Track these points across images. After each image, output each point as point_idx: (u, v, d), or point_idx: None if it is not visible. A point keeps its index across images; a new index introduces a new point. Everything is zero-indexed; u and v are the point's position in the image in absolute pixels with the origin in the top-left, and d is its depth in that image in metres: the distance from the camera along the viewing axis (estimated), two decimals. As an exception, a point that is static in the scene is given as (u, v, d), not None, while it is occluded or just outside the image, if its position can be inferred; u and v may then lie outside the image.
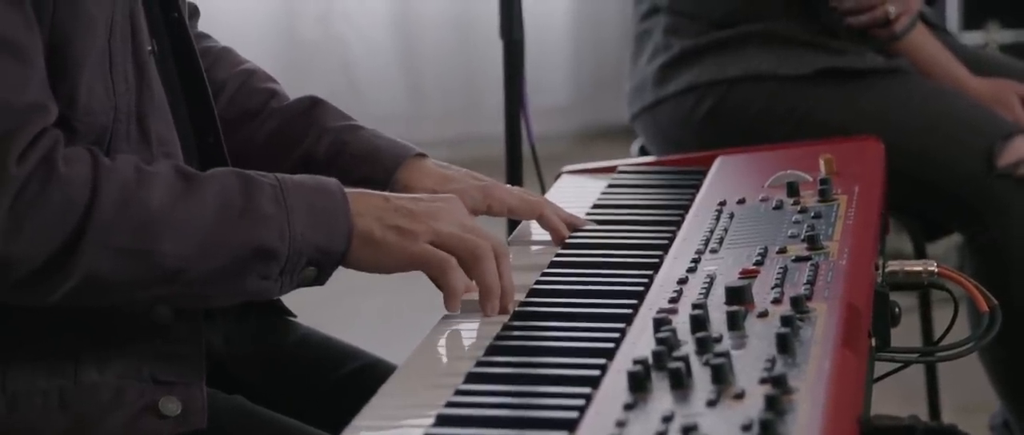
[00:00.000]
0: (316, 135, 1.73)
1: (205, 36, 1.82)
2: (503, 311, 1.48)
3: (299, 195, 1.44)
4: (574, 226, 1.76)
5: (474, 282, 1.48)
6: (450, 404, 1.24)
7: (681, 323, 1.32)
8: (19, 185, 1.33)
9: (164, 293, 1.41)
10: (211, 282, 1.41)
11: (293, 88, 1.81)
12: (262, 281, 1.42)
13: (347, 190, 1.47)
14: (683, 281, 1.48)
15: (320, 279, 1.47)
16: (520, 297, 1.51)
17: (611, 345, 1.34)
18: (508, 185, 1.79)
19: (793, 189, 1.77)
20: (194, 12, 1.79)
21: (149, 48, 1.47)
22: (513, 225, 1.91)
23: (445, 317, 1.48)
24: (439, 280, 1.48)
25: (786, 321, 1.27)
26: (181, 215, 1.38)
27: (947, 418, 2.90)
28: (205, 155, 1.61)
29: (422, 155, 1.74)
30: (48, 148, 1.35)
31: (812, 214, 1.66)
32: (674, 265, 1.55)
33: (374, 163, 1.71)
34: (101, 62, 1.42)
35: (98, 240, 1.35)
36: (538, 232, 1.78)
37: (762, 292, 1.39)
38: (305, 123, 1.75)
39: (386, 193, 1.51)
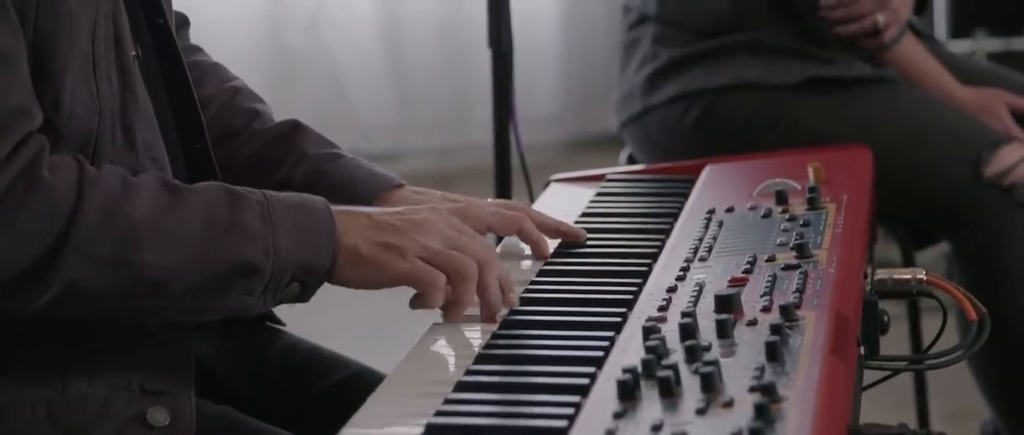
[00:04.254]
0: (294, 161, 1.72)
1: (197, 49, 1.81)
2: (491, 321, 1.48)
3: (285, 212, 1.43)
4: (566, 235, 1.75)
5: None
6: (439, 413, 1.24)
7: (670, 331, 1.32)
8: (2, 190, 1.32)
9: (147, 305, 1.40)
10: (194, 296, 1.40)
11: (281, 98, 1.81)
12: (245, 297, 1.41)
13: (334, 208, 1.46)
14: (672, 289, 1.48)
15: (304, 296, 1.46)
16: (509, 306, 1.51)
17: (600, 353, 1.33)
18: (486, 200, 1.75)
19: (782, 197, 1.77)
20: (184, 22, 1.78)
21: (133, 53, 1.47)
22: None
23: (434, 326, 1.48)
24: (427, 298, 1.47)
25: (775, 329, 1.27)
26: (165, 227, 1.38)
27: (936, 426, 2.90)
28: (192, 162, 1.60)
29: (400, 185, 1.72)
30: (33, 153, 1.34)
31: (801, 222, 1.66)
32: (663, 273, 1.55)
33: (351, 194, 1.68)
34: (85, 66, 1.41)
35: (80, 248, 1.34)
36: (527, 240, 1.78)
37: (751, 300, 1.39)
38: (284, 148, 1.73)
39: (370, 210, 1.50)
